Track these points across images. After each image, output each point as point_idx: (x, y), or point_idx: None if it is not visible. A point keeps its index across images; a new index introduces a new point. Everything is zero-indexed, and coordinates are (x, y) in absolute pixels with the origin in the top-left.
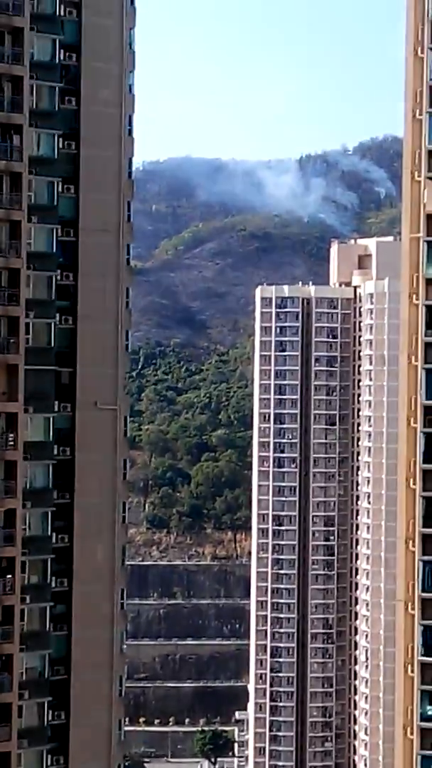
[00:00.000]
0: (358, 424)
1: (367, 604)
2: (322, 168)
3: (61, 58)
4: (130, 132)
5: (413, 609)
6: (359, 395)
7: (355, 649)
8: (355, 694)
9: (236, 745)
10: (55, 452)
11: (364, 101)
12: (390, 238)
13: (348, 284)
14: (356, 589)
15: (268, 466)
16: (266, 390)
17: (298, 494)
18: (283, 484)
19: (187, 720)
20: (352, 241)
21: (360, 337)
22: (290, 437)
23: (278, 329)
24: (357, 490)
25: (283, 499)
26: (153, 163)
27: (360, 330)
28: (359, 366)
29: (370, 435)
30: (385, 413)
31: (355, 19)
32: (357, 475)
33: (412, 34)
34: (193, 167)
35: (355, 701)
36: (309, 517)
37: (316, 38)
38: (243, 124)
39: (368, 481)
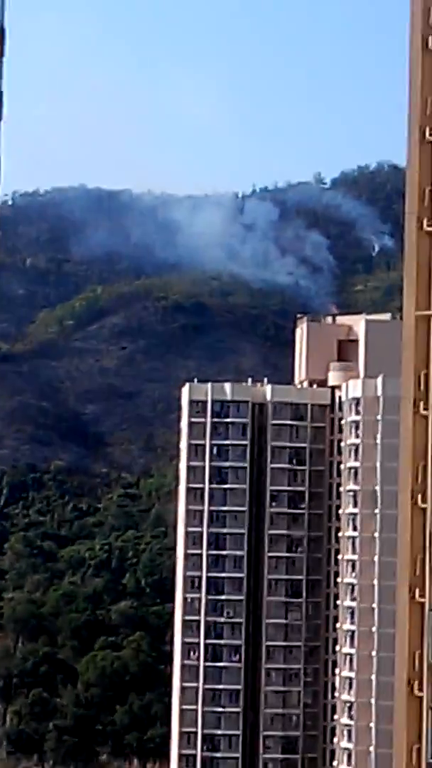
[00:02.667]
0: (336, 596)
1: None
2: (283, 209)
3: None
4: None
5: None
6: (338, 552)
7: None
8: None
9: None
10: None
11: (347, 117)
12: (386, 316)
13: (322, 383)
14: None
15: (198, 659)
16: (196, 541)
17: (242, 702)
18: (220, 686)
19: None
20: (329, 319)
21: (340, 463)
22: (232, 614)
23: (215, 449)
24: (333, 697)
25: (220, 710)
26: (28, 196)
27: (339, 452)
28: (338, 507)
29: (353, 613)
30: (377, 580)
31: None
32: (333, 674)
33: (419, 20)
34: (89, 203)
35: None
36: (259, 738)
37: (268, 32)
38: (163, 143)
39: (349, 685)
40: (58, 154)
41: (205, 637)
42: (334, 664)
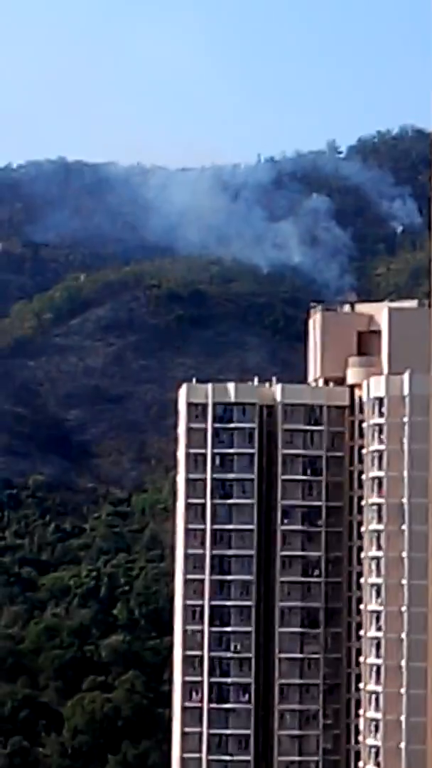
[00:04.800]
0: (359, 626)
1: None
2: (293, 180)
3: None
4: None
5: None
6: (360, 575)
7: None
8: None
9: None
10: None
11: (363, 74)
12: (412, 303)
13: (340, 382)
14: None
15: (201, 700)
16: (197, 565)
17: (253, 749)
18: (227, 731)
19: None
20: (347, 308)
21: (361, 473)
22: (239, 648)
23: (218, 459)
24: (356, 742)
25: (228, 758)
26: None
27: (360, 461)
28: (360, 524)
29: (378, 645)
30: (406, 606)
31: None
32: (356, 716)
33: None
34: (71, 177)
35: None
36: None
37: None
38: (152, 110)
39: (375, 727)
40: (32, 123)
41: (209, 675)
42: (358, 704)
